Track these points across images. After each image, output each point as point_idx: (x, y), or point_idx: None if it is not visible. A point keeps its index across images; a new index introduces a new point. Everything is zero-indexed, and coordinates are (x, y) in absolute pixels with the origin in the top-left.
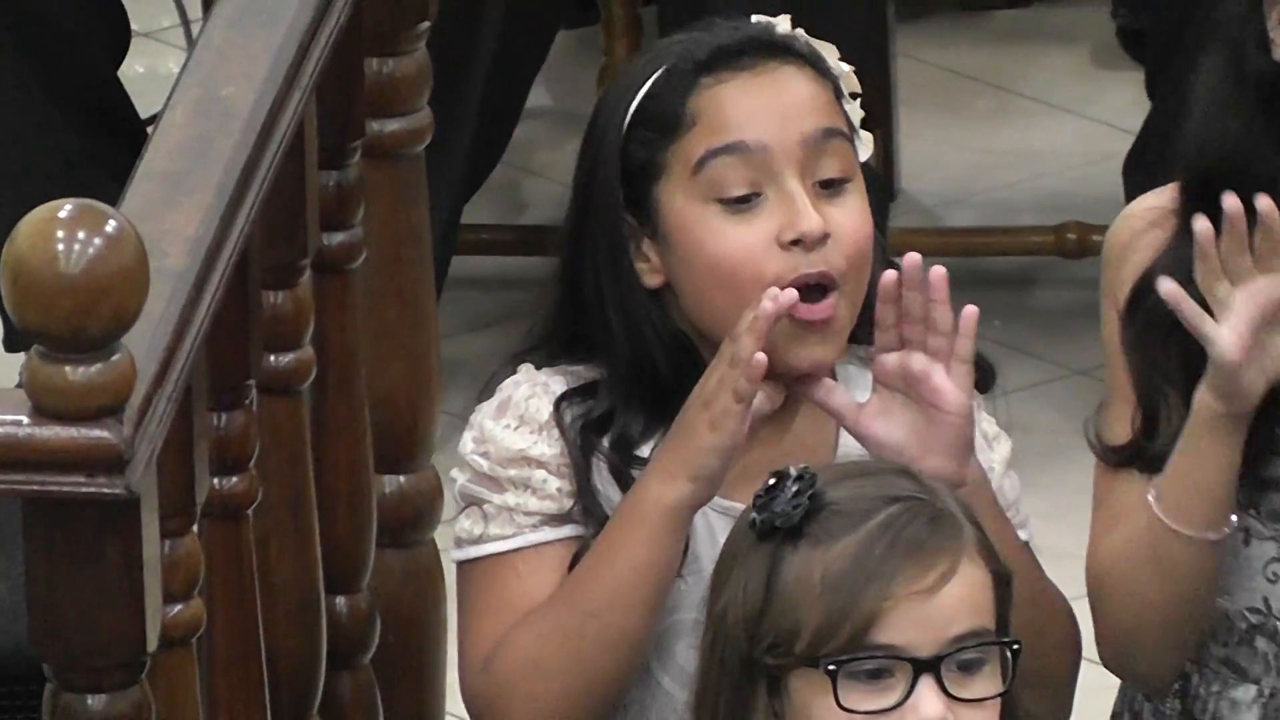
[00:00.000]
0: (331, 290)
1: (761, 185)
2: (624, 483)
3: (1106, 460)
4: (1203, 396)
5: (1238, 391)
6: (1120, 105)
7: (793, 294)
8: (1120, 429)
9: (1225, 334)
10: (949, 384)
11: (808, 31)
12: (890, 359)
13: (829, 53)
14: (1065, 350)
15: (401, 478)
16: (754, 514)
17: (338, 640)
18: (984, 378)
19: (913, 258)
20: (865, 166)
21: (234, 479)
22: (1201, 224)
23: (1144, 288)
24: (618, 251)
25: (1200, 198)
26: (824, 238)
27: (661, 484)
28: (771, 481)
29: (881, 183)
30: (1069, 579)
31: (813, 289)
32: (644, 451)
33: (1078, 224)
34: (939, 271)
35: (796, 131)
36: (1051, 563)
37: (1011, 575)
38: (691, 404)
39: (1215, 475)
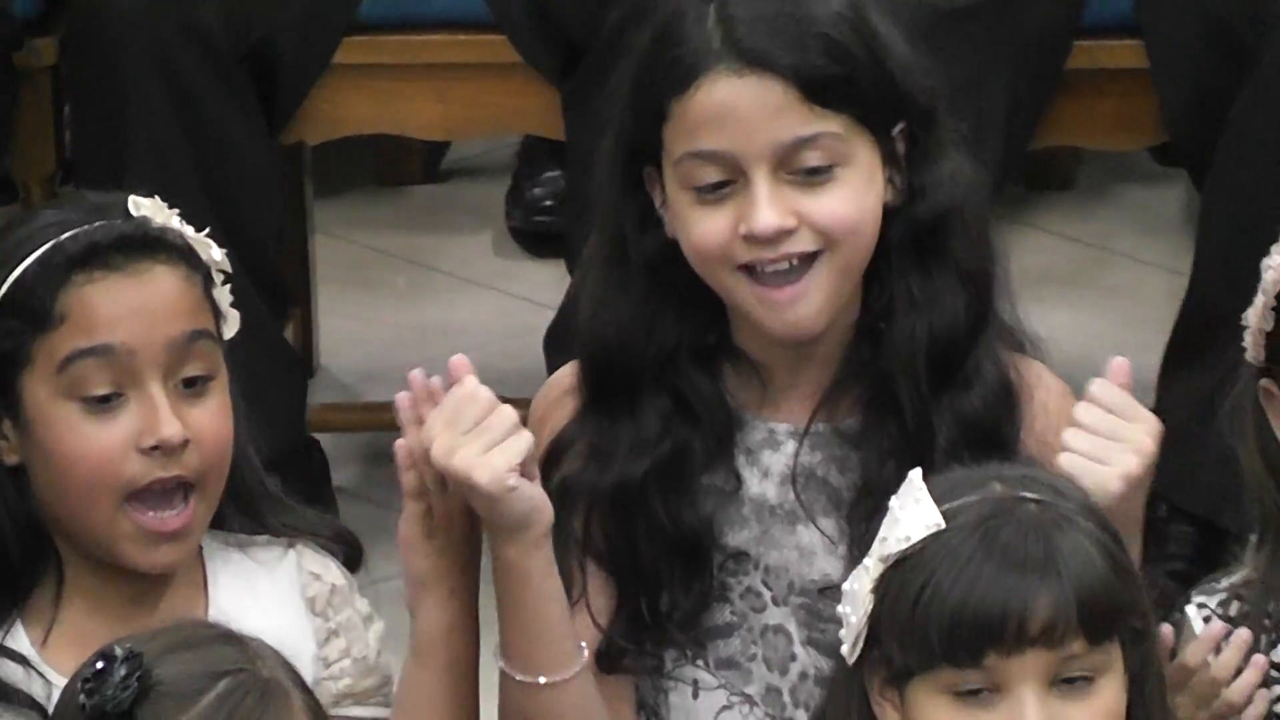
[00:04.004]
0: None
1: (124, 386)
2: None
3: None
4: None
5: (508, 525)
6: (539, 281)
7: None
8: None
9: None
10: None
11: (233, 206)
12: None
13: (202, 246)
14: None
15: None
16: (82, 698)
17: None
18: (351, 556)
19: None
20: (283, 343)
21: None
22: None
23: (553, 455)
24: None
25: (603, 379)
26: (184, 444)
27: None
28: (99, 665)
29: (299, 360)
30: None
31: (170, 491)
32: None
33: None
34: None
35: (163, 336)
36: None
37: None
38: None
39: (541, 614)
